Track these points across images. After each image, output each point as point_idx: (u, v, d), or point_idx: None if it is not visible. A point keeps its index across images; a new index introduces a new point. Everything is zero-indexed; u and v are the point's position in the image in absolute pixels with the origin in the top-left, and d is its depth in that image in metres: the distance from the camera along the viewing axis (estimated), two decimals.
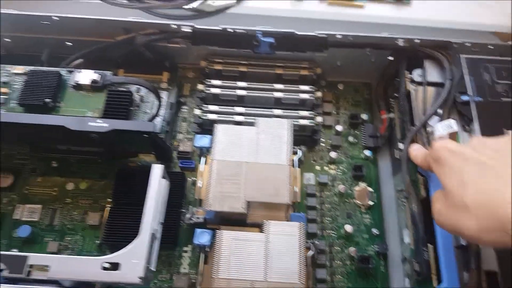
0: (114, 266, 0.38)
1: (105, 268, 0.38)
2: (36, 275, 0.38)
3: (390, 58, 0.58)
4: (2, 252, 0.38)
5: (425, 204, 0.47)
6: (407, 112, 0.53)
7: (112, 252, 0.47)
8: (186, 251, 0.49)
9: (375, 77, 0.61)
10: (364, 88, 0.62)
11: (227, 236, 0.41)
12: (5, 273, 0.37)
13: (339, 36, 0.54)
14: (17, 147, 0.53)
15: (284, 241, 0.41)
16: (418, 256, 0.45)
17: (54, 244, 0.47)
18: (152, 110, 0.53)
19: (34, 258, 0.38)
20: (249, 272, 0.39)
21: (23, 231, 0.47)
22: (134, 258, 0.38)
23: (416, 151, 0.44)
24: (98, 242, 0.48)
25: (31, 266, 0.38)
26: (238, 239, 0.41)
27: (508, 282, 0.41)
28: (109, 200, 0.50)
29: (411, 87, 0.54)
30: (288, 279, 0.39)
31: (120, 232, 0.45)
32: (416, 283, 0.46)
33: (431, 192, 0.46)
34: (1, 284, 0.37)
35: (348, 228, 0.50)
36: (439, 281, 0.42)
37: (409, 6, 0.66)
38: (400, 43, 0.55)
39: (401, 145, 0.52)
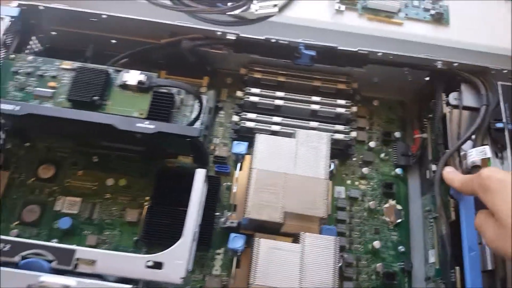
0: (157, 265, 0.39)
1: (149, 267, 0.39)
2: (82, 268, 0.39)
3: (427, 79, 0.59)
4: (52, 244, 0.40)
5: (454, 227, 0.48)
6: (441, 135, 0.54)
7: (148, 250, 0.50)
8: (218, 254, 0.51)
9: (409, 96, 0.62)
10: (398, 106, 0.63)
11: (265, 244, 0.42)
12: (54, 264, 0.39)
13: (380, 54, 0.55)
14: (60, 140, 0.55)
15: (319, 254, 0.42)
16: (444, 276, 0.46)
17: (93, 238, 0.49)
18: (191, 113, 0.54)
19: (82, 252, 0.40)
20: (285, 282, 0.41)
21: (64, 223, 0.49)
22: (177, 258, 0.40)
23: (452, 174, 0.45)
24: (135, 238, 0.50)
25: (77, 259, 0.39)
26: (275, 248, 0.42)
27: None
28: (147, 198, 0.52)
29: (446, 109, 0.55)
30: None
31: (158, 231, 0.47)
32: None
33: (461, 215, 0.47)
34: (49, 274, 0.39)
35: (376, 244, 0.52)
36: None
37: (448, 27, 0.66)
38: (439, 65, 0.56)
39: (433, 167, 0.53)
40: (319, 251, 0.43)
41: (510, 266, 0.44)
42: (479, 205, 0.47)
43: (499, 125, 0.52)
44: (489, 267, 0.44)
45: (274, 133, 0.55)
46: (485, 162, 0.51)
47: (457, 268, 0.45)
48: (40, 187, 0.52)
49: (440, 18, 0.66)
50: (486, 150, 0.49)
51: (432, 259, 0.51)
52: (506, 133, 0.51)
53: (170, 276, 0.39)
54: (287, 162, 0.47)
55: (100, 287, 0.38)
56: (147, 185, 0.52)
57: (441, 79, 0.57)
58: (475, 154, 0.49)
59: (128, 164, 0.54)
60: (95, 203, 0.52)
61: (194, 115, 0.53)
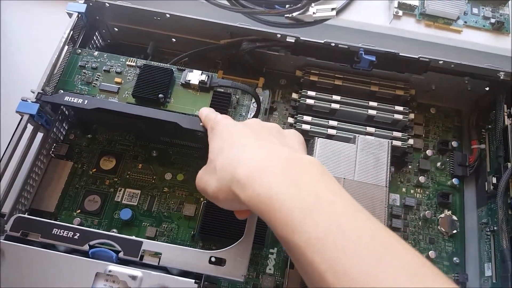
0: (219, 261, 0.40)
1: (211, 262, 0.40)
2: (148, 260, 0.40)
3: (487, 89, 0.57)
4: (119, 235, 0.41)
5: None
6: (502, 147, 0.53)
7: (204, 244, 0.50)
8: (272, 253, 0.51)
9: (467, 105, 0.61)
10: (454, 115, 0.62)
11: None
12: (121, 255, 0.40)
13: (441, 62, 0.54)
14: (121, 133, 0.56)
15: None
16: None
17: (152, 230, 0.51)
18: (247, 113, 0.55)
19: (148, 244, 0.41)
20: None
21: (125, 214, 0.50)
22: (239, 256, 0.40)
23: (207, 110, 0.46)
24: (192, 232, 0.51)
25: (144, 251, 0.41)
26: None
27: None
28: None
29: (508, 121, 0.54)
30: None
31: (214, 227, 0.48)
32: None
33: None
34: (116, 264, 0.40)
35: (431, 254, 0.51)
36: None
37: (508, 36, 0.65)
38: (502, 76, 0.54)
39: (494, 179, 0.52)
40: None
41: None
42: None
43: None
44: None
45: (329, 136, 0.55)
46: None
47: None
48: (101, 178, 0.54)
49: (500, 27, 0.64)
50: None
51: (488, 272, 0.50)
52: None
53: (232, 273, 0.40)
54: (346, 167, 0.47)
55: (164, 278, 0.39)
56: None
57: (503, 90, 0.56)
58: None
59: (186, 160, 0.55)
60: (154, 196, 0.53)
61: (249, 115, 0.54)
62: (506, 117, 0.54)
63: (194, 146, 0.55)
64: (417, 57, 0.54)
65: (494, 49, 0.64)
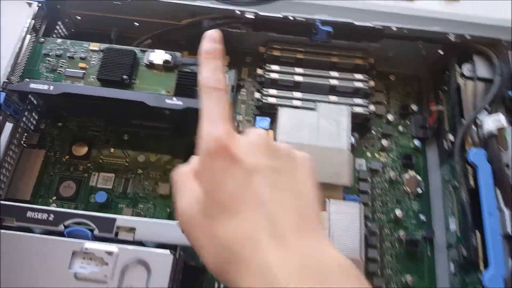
0: None
1: None
2: (123, 235, 0.42)
3: (441, 52, 0.60)
4: (93, 213, 0.42)
5: (473, 193, 0.49)
6: (457, 106, 0.56)
7: None
8: None
9: (424, 70, 0.64)
10: (413, 80, 0.64)
11: None
12: (96, 232, 0.42)
13: (395, 28, 0.57)
14: (91, 119, 0.57)
15: (345, 219, 0.44)
16: (466, 242, 0.48)
17: (129, 210, 0.52)
18: None
19: (122, 220, 0.42)
20: None
21: (100, 197, 0.52)
22: None
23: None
24: (168, 210, 0.52)
25: (118, 227, 0.42)
26: None
27: None
28: None
29: (460, 81, 0.57)
30: (350, 254, 0.42)
31: None
32: (461, 268, 0.50)
33: (480, 181, 0.48)
34: (92, 241, 0.41)
35: (398, 212, 0.54)
36: (486, 266, 0.45)
37: (458, 2, 0.67)
38: (452, 38, 0.57)
39: (451, 137, 0.55)
40: (345, 217, 0.45)
41: None
42: (497, 171, 0.49)
43: None
44: (509, 231, 0.46)
45: (295, 108, 0.56)
46: (501, 131, 0.53)
47: (478, 233, 0.47)
48: (75, 164, 0.55)
49: None
50: (500, 118, 0.51)
51: (453, 226, 0.53)
52: None
53: None
54: (309, 134, 0.49)
55: (140, 252, 0.40)
56: (177, 161, 0.54)
57: (454, 52, 0.58)
58: (490, 122, 0.51)
59: (157, 142, 0.56)
60: (128, 178, 0.54)
61: None
62: (458, 76, 0.57)
63: (164, 127, 0.56)
64: (372, 25, 0.56)
65: (446, 15, 0.66)
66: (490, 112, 0.53)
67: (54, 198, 0.53)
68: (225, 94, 0.28)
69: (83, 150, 0.55)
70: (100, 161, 0.55)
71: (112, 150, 0.56)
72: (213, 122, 0.27)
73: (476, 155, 0.50)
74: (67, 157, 0.55)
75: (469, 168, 0.51)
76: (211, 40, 0.30)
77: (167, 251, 0.41)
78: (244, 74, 0.63)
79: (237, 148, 0.26)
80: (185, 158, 0.53)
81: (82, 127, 0.57)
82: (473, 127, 0.53)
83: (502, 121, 0.51)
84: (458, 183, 0.51)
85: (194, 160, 0.29)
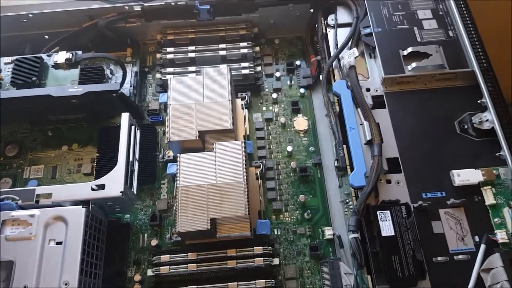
0: (101, 187, 0.50)
1: (93, 189, 0.50)
2: (43, 201, 0.50)
3: (311, 11, 0.70)
4: (16, 188, 0.51)
5: (340, 117, 0.59)
6: (324, 52, 0.65)
7: None
8: (164, 183, 0.62)
9: (303, 30, 0.73)
10: (297, 41, 0.74)
11: (184, 157, 0.53)
12: (20, 202, 0.50)
13: None
14: (19, 123, 0.65)
15: (229, 155, 0.53)
16: (337, 155, 0.57)
17: None
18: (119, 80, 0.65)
19: (40, 189, 0.50)
20: (203, 180, 0.52)
21: (32, 184, 0.60)
22: (115, 179, 0.51)
23: None
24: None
25: (38, 195, 0.50)
26: (193, 157, 0.53)
27: (407, 165, 0.53)
28: (96, 154, 0.62)
29: (328, 30, 0.66)
30: (236, 179, 0.51)
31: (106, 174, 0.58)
32: (341, 178, 0.59)
33: (343, 106, 0.58)
34: (17, 210, 0.49)
35: (289, 148, 0.63)
36: (352, 171, 0.54)
37: None
38: None
39: (321, 76, 0.64)
40: (229, 153, 0.53)
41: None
42: (356, 95, 0.58)
43: (367, 30, 0.63)
44: (368, 137, 0.55)
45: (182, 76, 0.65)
46: (361, 62, 0.62)
47: (344, 146, 0.57)
48: (9, 163, 0.63)
49: None
50: (354, 51, 0.60)
51: (334, 147, 0.62)
52: (374, 36, 0.61)
53: (111, 192, 0.50)
54: (196, 95, 0.58)
55: (57, 210, 0.49)
56: (94, 144, 0.63)
57: (320, 8, 0.68)
58: (347, 56, 0.61)
59: (78, 132, 0.65)
60: (56, 166, 0.62)
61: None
62: (323, 27, 0.66)
63: (80, 117, 0.64)
64: None
65: None
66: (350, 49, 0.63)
67: None
68: None
69: (15, 150, 0.64)
70: (31, 156, 0.63)
71: (39, 146, 0.64)
72: None
73: (338, 85, 0.60)
74: (2, 158, 0.63)
75: (335, 97, 0.60)
76: None
77: (79, 206, 0.49)
78: (149, 62, 0.72)
79: None
80: (99, 138, 0.61)
81: (12, 132, 0.65)
82: (342, 65, 0.62)
83: (355, 53, 0.60)
84: (327, 111, 0.60)
85: None
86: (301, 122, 0.66)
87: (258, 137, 0.65)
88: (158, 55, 0.69)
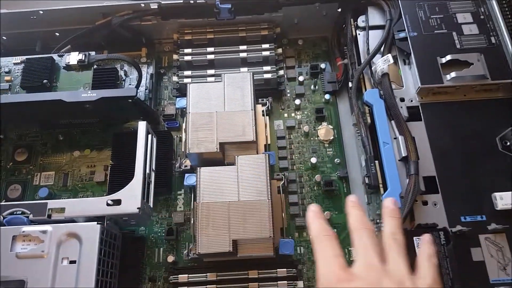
0: (117, 202, 0.47)
1: (109, 204, 0.47)
2: (55, 216, 0.47)
3: (339, 10, 0.65)
4: (27, 202, 0.48)
5: (371, 129, 0.55)
6: (354, 56, 0.61)
7: None
8: (180, 194, 0.58)
9: (329, 30, 0.69)
10: (322, 42, 0.69)
11: (204, 172, 0.50)
12: (31, 217, 0.47)
13: None
14: (28, 127, 0.62)
15: (252, 169, 0.50)
16: (368, 171, 0.53)
17: None
18: (136, 82, 0.61)
19: (52, 203, 0.47)
20: (225, 196, 0.48)
21: (42, 192, 0.57)
22: (132, 194, 0.47)
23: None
24: (105, 194, 0.57)
25: (50, 209, 0.47)
26: (214, 172, 0.50)
27: (445, 185, 0.49)
28: (110, 162, 0.59)
29: (357, 33, 0.62)
30: (259, 197, 0.48)
31: (121, 184, 0.54)
32: (371, 195, 0.55)
33: (375, 117, 0.54)
34: (28, 225, 0.46)
35: (313, 159, 0.59)
36: (385, 190, 0.50)
37: None
38: None
39: (350, 84, 0.60)
40: (252, 167, 0.50)
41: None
42: (390, 105, 0.54)
43: (402, 34, 0.58)
44: (403, 153, 0.51)
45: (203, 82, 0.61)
46: (394, 70, 0.58)
47: (376, 162, 0.53)
48: (19, 168, 0.60)
49: None
50: (389, 58, 0.56)
51: (362, 162, 0.58)
52: (409, 41, 0.57)
53: (128, 208, 0.47)
54: (217, 103, 0.54)
55: (70, 226, 0.46)
56: (109, 150, 0.60)
57: (350, 7, 0.64)
58: (381, 63, 0.56)
59: (90, 136, 0.62)
60: (67, 173, 0.59)
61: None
62: (353, 28, 0.62)
63: (93, 122, 0.61)
64: None
65: None
66: (383, 55, 0.58)
67: (4, 201, 0.58)
68: (334, 238, 0.37)
69: (24, 155, 0.60)
70: (41, 162, 0.60)
71: (50, 151, 0.61)
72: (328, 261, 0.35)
73: (369, 94, 0.55)
74: (11, 163, 0.60)
75: (366, 107, 0.56)
76: (315, 212, 0.39)
77: (94, 223, 0.46)
78: (165, 62, 0.68)
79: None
80: (113, 145, 0.58)
81: (21, 135, 0.62)
82: (373, 72, 0.58)
83: (389, 60, 0.56)
84: (357, 122, 0.56)
85: None
86: (326, 131, 0.62)
87: (280, 147, 0.61)
88: (175, 56, 0.65)
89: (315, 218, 0.39)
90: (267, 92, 0.64)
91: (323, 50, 0.69)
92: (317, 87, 0.65)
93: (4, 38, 0.67)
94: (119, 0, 0.61)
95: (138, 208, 0.47)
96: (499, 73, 0.53)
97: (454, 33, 0.56)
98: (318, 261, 0.36)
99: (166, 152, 0.59)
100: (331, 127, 0.62)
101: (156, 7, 0.61)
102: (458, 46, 0.55)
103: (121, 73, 0.62)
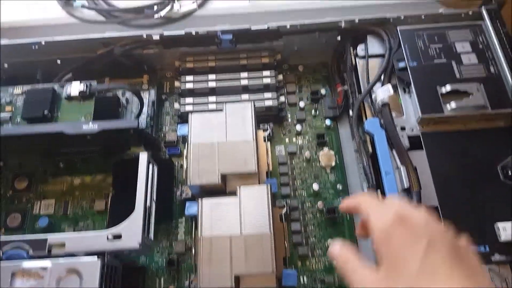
0: (117, 237, 0.47)
1: (109, 239, 0.47)
2: (55, 251, 0.47)
3: (338, 38, 0.66)
4: (27, 237, 0.47)
5: (373, 158, 0.55)
6: (354, 84, 0.61)
7: None
8: (181, 222, 0.58)
9: (329, 57, 0.69)
10: (321, 68, 0.70)
11: (206, 202, 0.50)
12: (31, 252, 0.46)
13: (289, 26, 0.62)
14: (28, 155, 0.62)
15: (254, 200, 0.49)
16: None
17: (70, 230, 0.57)
18: (137, 109, 0.61)
19: (53, 238, 0.47)
20: (228, 229, 0.48)
21: (42, 222, 0.56)
22: (133, 228, 0.47)
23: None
24: (106, 224, 0.57)
25: (50, 245, 0.47)
26: (216, 204, 0.50)
27: (447, 214, 0.49)
28: (111, 189, 0.59)
29: (357, 61, 0.62)
30: (261, 230, 0.47)
31: (122, 215, 0.54)
32: None
33: (376, 146, 0.54)
34: (28, 260, 0.46)
35: (315, 186, 0.59)
36: None
37: None
38: (342, 24, 0.63)
39: (351, 112, 0.60)
40: (254, 198, 0.50)
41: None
42: (391, 135, 0.54)
43: (402, 64, 0.59)
44: (405, 185, 0.51)
45: (205, 112, 0.61)
46: (394, 98, 0.58)
47: (378, 190, 0.53)
48: (18, 197, 0.60)
49: None
50: (389, 88, 0.56)
51: (365, 189, 0.58)
52: (409, 71, 0.57)
53: (128, 244, 0.46)
54: (219, 133, 0.54)
55: (70, 262, 0.45)
56: (110, 178, 0.59)
57: (349, 36, 0.64)
58: (380, 93, 0.57)
59: (90, 164, 0.61)
60: (67, 201, 0.59)
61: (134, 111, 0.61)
62: (353, 57, 0.62)
63: (94, 150, 0.61)
64: (266, 27, 0.62)
65: (337, 3, 0.72)
66: (383, 84, 0.59)
67: (3, 230, 0.57)
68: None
69: (25, 183, 0.60)
70: (41, 190, 0.60)
71: (50, 179, 0.60)
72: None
73: (370, 124, 0.56)
74: (11, 191, 0.60)
75: (367, 136, 0.56)
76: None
77: (94, 257, 0.46)
78: (166, 88, 0.69)
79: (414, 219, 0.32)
80: (113, 173, 0.58)
81: (21, 163, 0.62)
82: (370, 100, 0.59)
83: (390, 90, 0.56)
84: (358, 151, 0.56)
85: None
86: (327, 157, 0.62)
87: (282, 173, 0.61)
88: (177, 83, 0.65)
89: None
90: (268, 118, 0.64)
91: (323, 75, 0.69)
92: (318, 112, 0.66)
93: (6, 65, 0.67)
94: (121, 31, 0.61)
95: (139, 244, 0.46)
96: (499, 102, 0.54)
97: (453, 62, 0.57)
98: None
99: (167, 180, 0.59)
100: (333, 152, 0.62)
101: (158, 37, 0.62)
102: (457, 76, 0.56)
103: (123, 100, 0.62)
